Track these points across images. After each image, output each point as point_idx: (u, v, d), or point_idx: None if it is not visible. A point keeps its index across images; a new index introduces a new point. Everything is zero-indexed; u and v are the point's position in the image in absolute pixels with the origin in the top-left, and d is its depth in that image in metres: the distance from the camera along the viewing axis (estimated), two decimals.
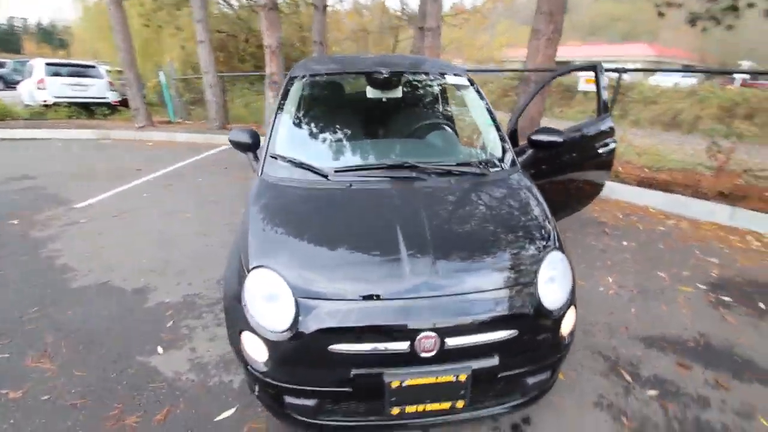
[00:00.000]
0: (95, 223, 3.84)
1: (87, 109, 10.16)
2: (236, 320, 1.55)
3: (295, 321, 1.41)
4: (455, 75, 2.48)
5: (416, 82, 2.44)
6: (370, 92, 2.39)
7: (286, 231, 1.64)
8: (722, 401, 1.90)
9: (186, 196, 4.60)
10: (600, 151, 2.94)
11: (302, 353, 1.41)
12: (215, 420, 1.80)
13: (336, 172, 1.93)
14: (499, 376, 1.46)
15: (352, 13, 12.57)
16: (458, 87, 2.42)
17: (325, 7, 8.10)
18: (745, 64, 21.11)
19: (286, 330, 1.41)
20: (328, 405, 1.47)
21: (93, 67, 10.63)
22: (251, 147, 2.27)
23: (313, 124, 2.28)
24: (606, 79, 3.04)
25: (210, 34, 7.88)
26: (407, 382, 1.37)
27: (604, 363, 2.13)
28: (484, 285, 1.47)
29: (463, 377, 1.40)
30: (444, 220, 1.67)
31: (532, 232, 1.69)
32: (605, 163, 3.03)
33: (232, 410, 1.85)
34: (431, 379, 1.38)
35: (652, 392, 1.95)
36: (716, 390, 1.96)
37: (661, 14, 6.28)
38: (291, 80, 2.41)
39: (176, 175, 5.39)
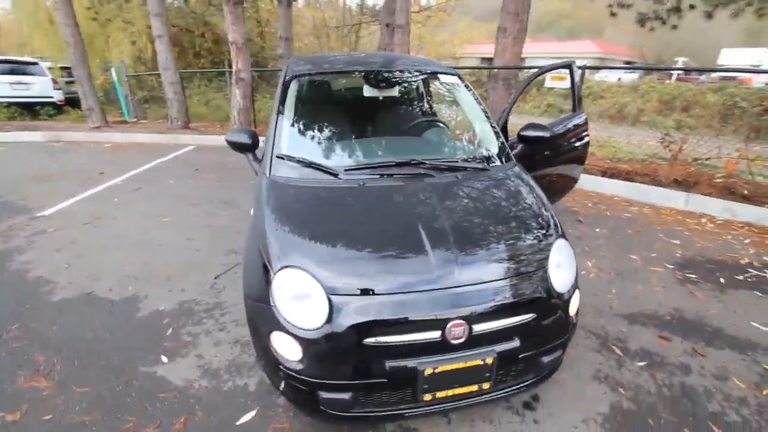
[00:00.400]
0: (66, 232, 3.61)
1: (30, 110, 9.38)
2: (264, 322, 1.55)
3: (329, 318, 1.44)
4: (447, 74, 2.57)
5: (412, 81, 2.51)
6: (368, 91, 2.43)
7: (308, 230, 1.66)
8: (701, 367, 2.13)
9: (160, 199, 4.41)
10: (576, 144, 3.15)
11: (338, 349, 1.44)
12: (237, 424, 1.79)
13: (346, 170, 1.96)
14: (519, 357, 1.56)
15: (312, 8, 12.39)
16: (451, 85, 2.51)
17: (290, 2, 7.96)
18: (681, 60, 22.99)
19: (321, 327, 1.43)
20: (362, 397, 1.51)
21: (35, 64, 9.80)
22: (251, 147, 2.24)
23: (315, 123, 2.29)
24: (578, 76, 3.25)
25: (168, 29, 7.52)
26: (439, 369, 1.45)
27: (596, 340, 2.32)
28: (504, 273, 1.57)
29: (489, 360, 1.49)
30: (458, 214, 1.75)
31: (538, 222, 1.81)
32: (581, 155, 3.25)
33: (253, 412, 1.84)
34: (461, 364, 1.47)
35: (641, 363, 2.15)
36: (694, 357, 2.19)
37: (613, 14, 6.73)
38: (289, 79, 2.39)
39: (145, 178, 5.14)
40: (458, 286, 1.50)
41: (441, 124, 2.38)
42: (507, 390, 1.64)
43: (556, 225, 1.83)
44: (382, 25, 8.03)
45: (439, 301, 1.47)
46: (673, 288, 2.83)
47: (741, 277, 2.95)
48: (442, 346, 1.46)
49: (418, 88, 2.48)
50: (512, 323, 1.53)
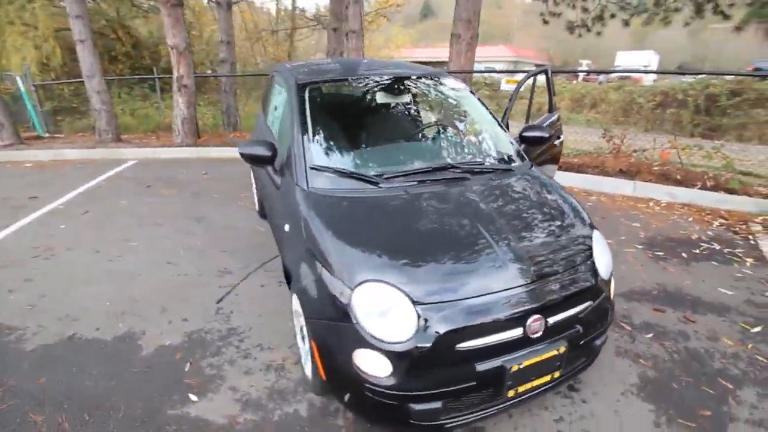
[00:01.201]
0: (13, 270, 3.08)
1: None
2: (343, 341, 1.50)
3: (418, 328, 1.42)
4: (451, 79, 2.65)
5: (421, 87, 2.55)
6: (381, 97, 2.41)
7: (374, 241, 1.62)
8: (695, 332, 2.44)
9: (117, 222, 3.94)
10: (555, 142, 3.43)
11: (429, 358, 1.43)
12: None
13: (386, 179, 1.94)
14: (581, 343, 1.68)
15: (247, 12, 11.84)
16: (458, 90, 2.59)
17: (230, 4, 7.56)
18: (585, 63, 25.83)
19: (410, 338, 1.42)
20: (450, 403, 1.51)
21: None
22: (270, 160, 2.12)
23: (339, 132, 2.23)
24: (552, 79, 3.54)
25: (92, 32, 6.72)
26: (524, 364, 1.51)
27: None
28: (564, 265, 1.68)
29: (562, 349, 1.58)
30: (507, 213, 1.83)
31: (575, 214, 1.95)
32: (557, 154, 3.54)
33: None
34: (540, 357, 1.54)
35: (649, 335, 2.41)
36: (687, 324, 2.51)
37: (545, 22, 7.37)
38: (300, 88, 2.30)
39: (89, 199, 4.55)
40: (531, 282, 1.57)
41: (459, 128, 2.45)
42: (570, 375, 1.75)
43: (587, 216, 1.99)
44: (329, 30, 7.96)
45: (518, 299, 1.53)
46: (649, 265, 3.20)
47: (697, 251, 3.41)
48: (523, 342, 1.52)
49: (428, 93, 2.53)
50: (576, 312, 1.64)
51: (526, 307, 1.52)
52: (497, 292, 1.52)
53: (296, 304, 1.97)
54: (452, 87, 2.58)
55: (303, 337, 1.97)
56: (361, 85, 2.40)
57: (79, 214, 4.14)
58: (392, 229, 1.69)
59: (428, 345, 1.42)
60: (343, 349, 1.51)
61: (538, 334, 1.54)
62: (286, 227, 1.96)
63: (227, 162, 6.16)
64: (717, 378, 2.09)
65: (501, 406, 1.60)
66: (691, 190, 4.45)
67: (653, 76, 19.82)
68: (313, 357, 1.74)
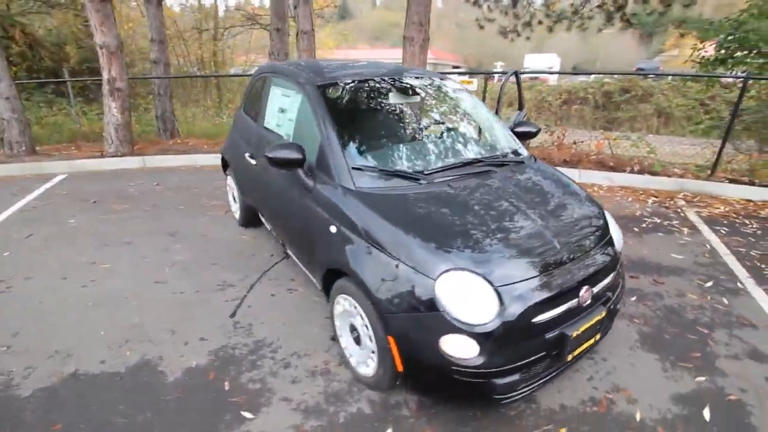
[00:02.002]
0: None
1: None
2: (429, 329, 1.57)
3: (499, 308, 1.55)
4: (450, 81, 2.81)
5: (427, 87, 2.66)
6: (395, 98, 2.48)
7: (440, 233, 1.72)
8: (666, 291, 2.89)
9: (76, 243, 3.49)
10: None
11: (510, 334, 1.57)
12: None
13: (426, 174, 2.03)
14: (611, 308, 1.94)
15: (170, 9, 10.90)
16: (459, 91, 2.76)
17: (159, 1, 6.98)
18: (499, 65, 28.01)
19: (494, 319, 1.54)
20: (525, 373, 1.66)
21: None
22: (302, 162, 2.09)
23: (366, 132, 2.25)
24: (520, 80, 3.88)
25: None
26: (581, 329, 1.71)
27: None
28: (596, 241, 1.93)
29: (603, 314, 1.82)
30: (541, 199, 2.04)
31: (586, 198, 2.22)
32: (527, 145, 3.89)
33: (390, 430, 1.79)
34: (590, 322, 1.76)
35: (633, 298, 2.80)
36: (658, 286, 2.96)
37: (481, 27, 7.92)
38: (321, 89, 2.28)
39: (27, 221, 3.94)
40: (578, 258, 1.78)
41: (472, 125, 2.60)
42: (602, 337, 2.00)
43: (594, 198, 2.28)
44: (271, 30, 7.72)
45: (571, 273, 1.73)
46: None
47: (644, 225, 4.00)
48: (577, 310, 1.73)
49: (435, 93, 2.65)
50: (609, 281, 1.90)
51: (578, 279, 1.73)
52: (555, 268, 1.70)
53: (343, 305, 1.99)
54: (453, 87, 2.75)
55: (357, 338, 1.99)
56: (376, 85, 2.44)
57: (22, 238, 3.59)
58: (454, 221, 1.80)
59: (509, 322, 1.55)
60: (428, 338, 1.58)
61: (588, 302, 1.75)
62: (332, 229, 1.96)
63: (176, 171, 5.72)
64: (694, 326, 2.52)
65: (559, 370, 1.79)
66: (624, 174, 5.16)
67: (556, 77, 22.21)
68: (380, 353, 1.78)
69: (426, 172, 2.05)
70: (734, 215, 4.21)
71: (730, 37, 5.51)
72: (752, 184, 4.78)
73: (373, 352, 1.87)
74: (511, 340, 1.58)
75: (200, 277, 3.00)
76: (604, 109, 14.77)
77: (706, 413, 1.91)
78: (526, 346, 1.62)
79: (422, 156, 2.22)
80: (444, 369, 1.58)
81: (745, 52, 5.38)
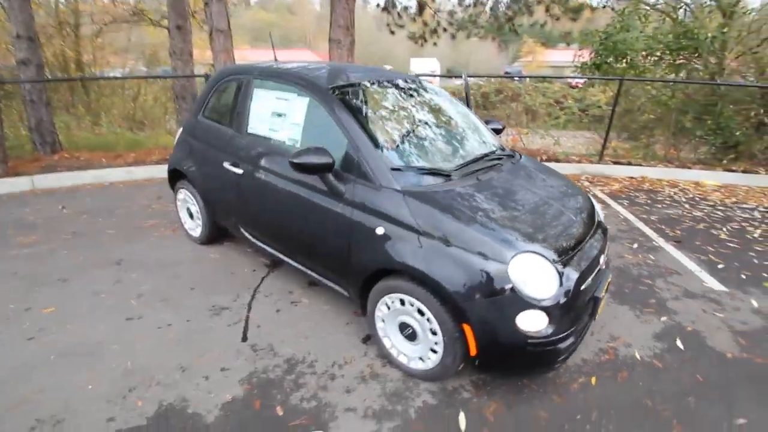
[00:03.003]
0: None
1: None
2: (507, 309, 1.72)
3: (560, 281, 1.78)
4: (430, 84, 2.97)
5: (423, 91, 2.77)
6: (398, 100, 2.51)
7: (494, 222, 1.87)
8: (610, 255, 3.51)
9: None
10: None
11: (570, 302, 1.80)
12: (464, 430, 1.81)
13: (455, 170, 2.17)
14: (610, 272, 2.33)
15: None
16: (440, 91, 2.93)
17: None
18: (387, 67, 29.28)
19: (557, 291, 1.76)
20: (575, 335, 1.91)
21: None
22: (332, 166, 2.05)
23: (386, 132, 2.26)
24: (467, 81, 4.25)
25: None
26: (603, 291, 2.05)
27: None
28: (596, 217, 2.29)
29: (610, 276, 2.20)
30: (549, 187, 2.34)
31: (571, 183, 2.60)
32: None
33: (461, 415, 1.89)
34: (607, 284, 2.11)
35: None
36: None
37: (392, 32, 8.30)
38: (334, 92, 2.23)
39: None
40: (593, 232, 2.12)
41: (468, 124, 2.77)
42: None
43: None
44: (171, 28, 6.95)
45: (593, 244, 2.05)
46: None
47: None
48: (598, 274, 2.05)
49: (424, 95, 2.76)
50: (607, 247, 2.28)
51: (599, 248, 2.06)
52: (584, 241, 2.00)
53: (391, 305, 2.01)
54: (436, 90, 2.91)
55: (410, 335, 2.03)
56: (380, 88, 2.46)
57: None
58: (500, 209, 1.96)
59: (567, 292, 1.78)
60: (505, 318, 1.72)
61: (604, 267, 2.10)
62: (379, 230, 1.96)
63: (80, 191, 4.83)
64: (641, 279, 3.14)
65: (589, 326, 2.10)
66: None
67: (438, 79, 24.22)
68: (449, 343, 1.86)
69: (454, 169, 2.18)
70: (627, 190, 5.25)
71: (601, 46, 6.81)
72: (629, 164, 5.99)
73: (436, 343, 1.93)
74: (569, 308, 1.81)
75: (183, 306, 2.65)
76: (485, 108, 16.64)
77: (679, 344, 2.43)
78: (578, 310, 1.87)
79: (443, 153, 2.33)
80: (519, 344, 1.74)
81: (614, 58, 6.72)
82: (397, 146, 2.17)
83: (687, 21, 6.37)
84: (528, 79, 15.27)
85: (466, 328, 1.78)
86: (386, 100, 2.44)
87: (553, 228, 1.97)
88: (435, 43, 8.30)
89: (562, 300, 1.76)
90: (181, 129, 3.45)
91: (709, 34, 5.72)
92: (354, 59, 6.27)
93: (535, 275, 1.74)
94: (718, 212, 4.55)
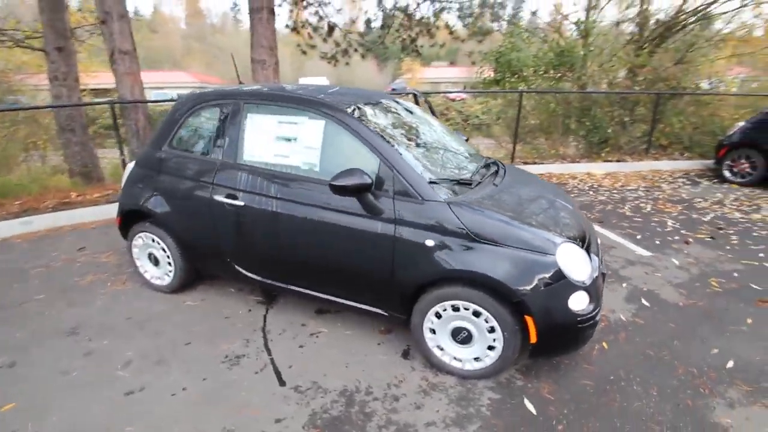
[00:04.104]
0: None
1: None
2: (560, 295, 1.95)
3: (591, 264, 2.08)
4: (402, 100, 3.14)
5: (412, 108, 2.89)
6: (400, 117, 2.59)
7: (531, 219, 2.10)
8: None
9: None
10: None
11: (597, 281, 2.10)
12: (529, 409, 1.98)
13: (473, 178, 2.36)
14: None
15: None
16: (420, 110, 3.09)
17: None
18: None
19: (593, 272, 2.05)
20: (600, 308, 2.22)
21: None
22: (370, 187, 2.06)
23: (411, 147, 2.31)
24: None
25: None
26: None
27: None
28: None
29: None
30: (541, 187, 2.68)
31: (553, 184, 3.00)
32: None
33: (527, 401, 2.05)
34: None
35: None
36: None
37: (303, 52, 8.29)
38: (350, 113, 2.22)
39: None
40: (582, 225, 2.50)
41: (454, 136, 2.96)
42: None
43: None
44: (50, 50, 5.89)
45: (589, 230, 2.43)
46: None
47: None
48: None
49: (421, 113, 2.90)
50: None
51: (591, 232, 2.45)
52: (588, 229, 2.36)
53: (443, 313, 2.10)
54: (415, 108, 3.06)
55: (465, 338, 2.13)
56: (379, 108, 2.51)
57: None
58: (525, 208, 2.20)
59: (595, 272, 2.09)
60: (560, 303, 1.94)
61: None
62: (429, 242, 2.02)
63: None
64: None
65: None
66: None
67: None
68: (509, 338, 2.01)
69: (473, 177, 2.37)
70: None
71: (498, 64, 7.82)
72: (535, 163, 6.97)
73: (494, 340, 2.07)
74: (597, 285, 2.11)
75: (188, 364, 2.32)
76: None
77: (645, 302, 2.97)
78: (600, 286, 2.19)
79: (455, 164, 2.50)
80: (571, 324, 1.98)
81: (511, 74, 7.77)
82: (419, 161, 2.26)
83: (561, 42, 7.74)
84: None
85: (528, 319, 1.96)
86: (391, 118, 2.52)
87: (565, 219, 2.28)
88: (347, 63, 8.53)
89: (595, 280, 2.06)
90: (132, 165, 3.00)
91: (581, 53, 7.08)
92: (279, 79, 6.12)
93: (575, 261, 2.01)
94: (615, 195, 5.60)
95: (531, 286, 1.92)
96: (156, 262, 2.98)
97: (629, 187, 5.97)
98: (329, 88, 2.72)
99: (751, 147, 5.78)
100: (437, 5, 7.37)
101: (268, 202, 2.37)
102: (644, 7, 8.10)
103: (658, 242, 4.01)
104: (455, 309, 2.10)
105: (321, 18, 7.89)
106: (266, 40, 5.74)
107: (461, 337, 2.14)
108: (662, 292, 3.10)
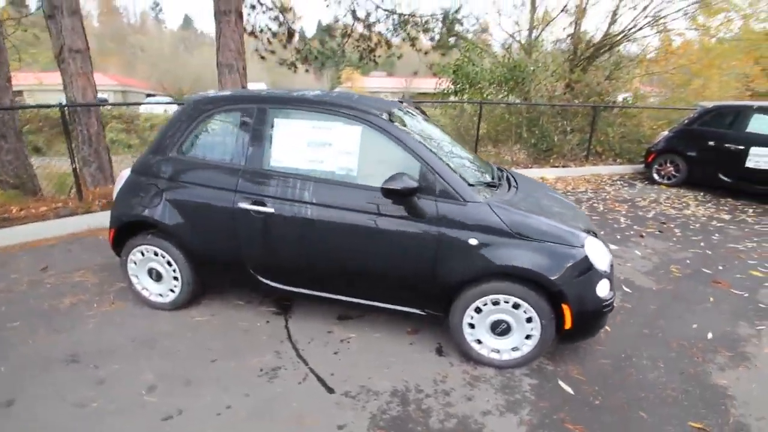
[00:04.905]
0: None
1: None
2: (590, 284, 2.18)
3: (609, 254, 2.35)
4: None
5: (419, 115, 3.00)
6: (419, 124, 2.68)
7: (558, 217, 2.32)
8: None
9: None
10: None
11: (611, 269, 2.37)
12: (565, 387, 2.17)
13: (496, 181, 2.54)
14: None
15: None
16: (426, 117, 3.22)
17: None
18: (211, 92, 27.22)
19: (609, 261, 2.31)
20: None
21: None
22: (417, 190, 2.14)
23: (438, 152, 2.41)
24: None
25: None
26: None
27: None
28: None
29: None
30: (541, 188, 2.94)
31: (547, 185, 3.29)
32: None
33: (568, 387, 2.24)
34: None
35: None
36: None
37: (262, 57, 8.08)
38: (388, 119, 2.29)
39: None
40: (584, 215, 2.80)
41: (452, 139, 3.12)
42: None
43: None
44: None
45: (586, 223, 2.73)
46: None
47: None
48: None
49: (424, 118, 3.01)
50: None
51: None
52: (590, 225, 2.65)
53: (483, 307, 2.23)
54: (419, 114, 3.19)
55: (504, 330, 2.27)
56: (403, 113, 2.58)
57: None
58: (548, 208, 2.41)
59: (611, 261, 2.36)
60: (590, 290, 2.16)
61: None
62: (472, 241, 2.14)
63: None
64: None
65: None
66: None
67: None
68: (546, 325, 2.19)
69: (494, 180, 2.55)
70: None
71: (455, 76, 8.26)
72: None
73: (532, 329, 2.23)
74: (612, 273, 2.38)
75: (222, 381, 2.19)
76: None
77: (627, 289, 3.35)
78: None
79: (475, 167, 2.65)
80: (599, 309, 2.21)
81: (469, 86, 8.24)
82: (451, 164, 2.38)
83: (511, 59, 8.40)
84: None
85: (565, 307, 2.15)
86: (416, 125, 2.61)
87: (576, 215, 2.54)
88: (307, 70, 8.45)
89: (611, 268, 2.32)
90: (127, 173, 2.76)
91: (531, 68, 7.76)
92: (247, 84, 5.92)
93: (599, 252, 2.25)
94: (571, 197, 6.18)
95: (567, 277, 2.12)
96: (158, 277, 2.75)
97: (579, 190, 6.64)
98: (352, 94, 2.75)
99: (674, 153, 6.74)
100: (400, 17, 7.62)
101: (301, 209, 2.33)
102: (577, 29, 9.12)
103: (618, 237, 4.52)
104: (495, 303, 2.23)
105: (281, 23, 7.76)
106: (234, 43, 5.55)
107: (500, 329, 2.28)
108: (636, 280, 3.52)
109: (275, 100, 2.47)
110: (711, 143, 6.22)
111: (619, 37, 8.97)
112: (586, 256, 2.16)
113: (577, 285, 2.15)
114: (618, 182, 7.28)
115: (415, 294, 2.36)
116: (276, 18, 7.68)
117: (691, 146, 6.51)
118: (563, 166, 7.83)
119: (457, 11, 7.41)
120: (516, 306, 2.21)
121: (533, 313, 2.19)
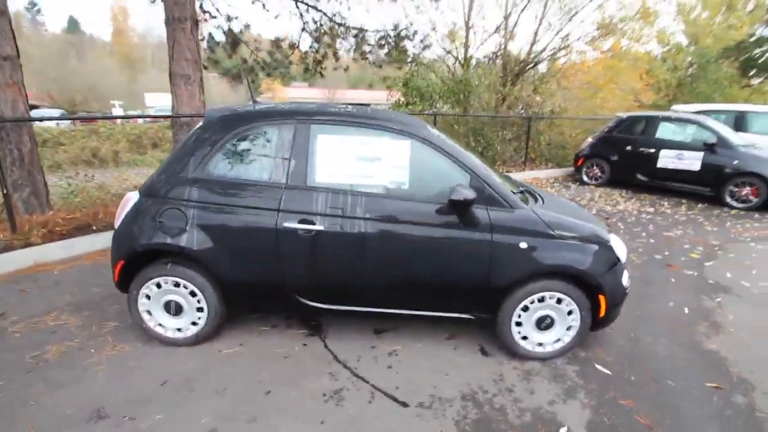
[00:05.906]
0: None
1: None
2: (617, 275, 2.49)
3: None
4: None
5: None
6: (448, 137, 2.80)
7: (584, 218, 2.60)
8: None
9: None
10: None
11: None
12: (599, 368, 2.45)
13: (526, 189, 2.77)
14: None
15: None
16: None
17: None
18: (117, 104, 24.31)
19: (625, 254, 2.66)
20: None
21: None
22: (473, 201, 2.27)
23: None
24: None
25: None
26: None
27: None
28: None
29: None
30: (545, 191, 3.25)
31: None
32: None
33: (606, 371, 2.51)
34: None
35: None
36: None
37: (205, 67, 7.57)
38: (429, 134, 2.39)
39: None
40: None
41: None
42: None
43: None
44: None
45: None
46: None
47: None
48: None
49: None
50: None
51: None
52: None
53: (531, 306, 2.42)
54: None
55: (548, 325, 2.47)
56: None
57: None
58: (573, 211, 2.69)
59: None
60: (617, 280, 2.46)
61: None
62: (522, 245, 2.31)
63: None
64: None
65: None
66: None
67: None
68: (584, 317, 2.44)
69: (523, 188, 2.77)
70: None
71: (406, 89, 8.55)
72: None
73: (573, 320, 2.47)
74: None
75: (289, 412, 2.07)
76: None
77: None
78: None
79: (503, 178, 2.84)
80: (623, 297, 2.53)
81: (420, 99, 8.57)
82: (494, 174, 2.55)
83: (451, 74, 8.96)
84: None
85: (601, 297, 2.42)
86: (448, 138, 2.74)
87: (589, 216, 2.87)
88: (253, 81, 8.09)
89: (626, 260, 2.67)
90: (134, 196, 2.45)
91: (476, 82, 8.37)
92: (204, 96, 5.52)
93: (619, 245, 2.57)
94: None
95: (603, 271, 2.40)
96: (177, 311, 2.48)
97: None
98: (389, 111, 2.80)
99: (599, 157, 7.78)
100: (351, 31, 7.72)
101: (354, 224, 2.30)
102: (505, 47, 10.09)
103: None
104: (540, 300, 2.43)
105: (225, 32, 7.36)
106: (191, 52, 5.16)
107: (545, 324, 2.48)
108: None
109: (318, 115, 2.40)
110: (628, 148, 7.32)
111: (541, 54, 10.14)
112: (614, 250, 2.47)
113: (610, 277, 2.43)
114: (555, 184, 8.16)
115: (466, 299, 2.46)
116: (219, 26, 7.28)
117: (613, 151, 7.59)
118: (507, 172, 8.54)
119: (407, 28, 7.73)
120: (559, 301, 2.43)
121: (574, 306, 2.43)
